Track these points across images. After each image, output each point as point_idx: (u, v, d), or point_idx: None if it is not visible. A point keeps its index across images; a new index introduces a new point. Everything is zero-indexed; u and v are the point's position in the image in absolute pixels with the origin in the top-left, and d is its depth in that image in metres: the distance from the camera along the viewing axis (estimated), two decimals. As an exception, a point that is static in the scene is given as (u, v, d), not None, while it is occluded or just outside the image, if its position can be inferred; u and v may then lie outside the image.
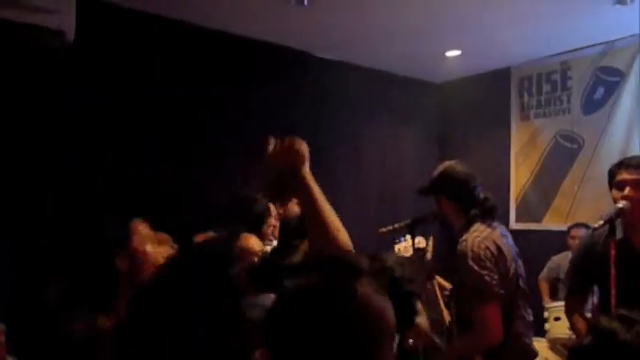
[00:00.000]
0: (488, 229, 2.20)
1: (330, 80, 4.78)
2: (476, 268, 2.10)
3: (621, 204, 2.11)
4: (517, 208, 5.16)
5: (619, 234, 2.15)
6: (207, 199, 3.82)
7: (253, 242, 2.13)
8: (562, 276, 4.29)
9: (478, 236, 2.16)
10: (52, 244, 2.53)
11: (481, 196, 2.28)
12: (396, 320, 0.84)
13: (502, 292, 2.11)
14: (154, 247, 1.59)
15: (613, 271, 2.08)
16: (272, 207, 2.85)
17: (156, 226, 1.67)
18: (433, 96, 5.73)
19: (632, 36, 4.39)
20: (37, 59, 3.17)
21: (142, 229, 1.63)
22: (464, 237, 2.19)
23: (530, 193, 5.09)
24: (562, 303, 3.84)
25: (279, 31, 4.22)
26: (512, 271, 2.19)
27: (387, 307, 0.83)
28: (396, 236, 2.88)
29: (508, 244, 2.24)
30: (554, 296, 4.29)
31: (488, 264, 2.11)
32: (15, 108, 3.18)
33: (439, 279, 2.61)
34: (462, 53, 4.83)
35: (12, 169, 3.12)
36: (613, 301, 2.00)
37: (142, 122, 3.68)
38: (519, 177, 5.18)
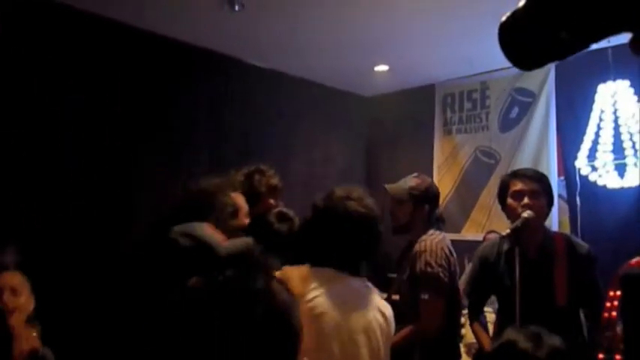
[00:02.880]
0: (441, 235, 2.50)
1: (261, 88, 4.79)
2: (433, 263, 2.35)
3: (526, 214, 2.20)
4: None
5: (507, 245, 2.31)
6: (133, 199, 3.70)
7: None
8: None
9: (435, 238, 2.44)
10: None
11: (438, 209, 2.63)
12: None
13: (447, 290, 2.38)
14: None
15: (519, 279, 2.13)
16: (238, 199, 2.62)
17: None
18: (362, 108, 5.88)
19: (543, 60, 4.72)
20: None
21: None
22: (422, 238, 2.45)
23: (451, 204, 5.32)
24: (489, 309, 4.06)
25: (211, 36, 4.18)
26: (456, 272, 2.50)
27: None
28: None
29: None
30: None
31: (443, 262, 2.37)
32: None
33: None
34: (390, 69, 5.00)
35: None
36: (517, 310, 2.08)
37: (66, 121, 3.50)
38: (441, 189, 5.32)
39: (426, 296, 2.34)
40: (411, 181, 2.59)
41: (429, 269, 2.36)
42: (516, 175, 2.35)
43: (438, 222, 2.60)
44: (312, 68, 4.96)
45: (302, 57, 4.65)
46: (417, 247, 2.44)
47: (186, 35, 4.12)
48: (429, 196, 2.58)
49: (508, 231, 2.21)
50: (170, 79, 4.14)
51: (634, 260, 1.79)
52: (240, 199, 2.62)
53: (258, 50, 4.48)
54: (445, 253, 2.42)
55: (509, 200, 2.31)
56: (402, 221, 2.57)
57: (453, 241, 2.57)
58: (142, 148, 3.92)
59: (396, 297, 2.61)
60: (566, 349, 1.16)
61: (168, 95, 4.11)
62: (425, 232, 2.50)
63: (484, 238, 4.60)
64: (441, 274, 2.35)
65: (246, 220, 2.61)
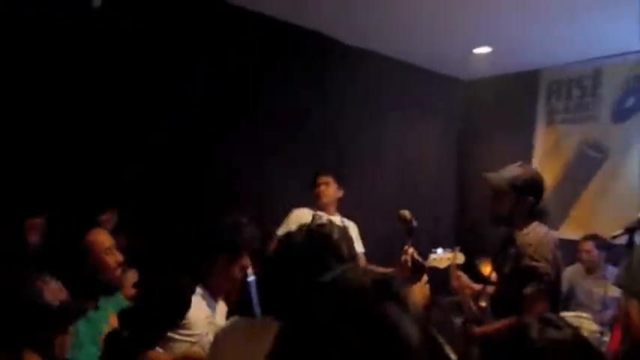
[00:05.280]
0: (546, 228, 2.40)
1: (356, 69, 4.71)
2: (538, 257, 2.27)
3: None
4: (535, 214, 5.07)
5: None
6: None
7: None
8: (575, 288, 4.19)
9: (540, 232, 2.36)
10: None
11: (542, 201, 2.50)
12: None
13: (552, 285, 2.28)
14: None
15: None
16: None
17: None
18: (458, 92, 5.64)
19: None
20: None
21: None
22: (525, 231, 2.37)
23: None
24: (572, 313, 3.80)
25: (309, 15, 4.14)
26: (561, 264, 2.40)
27: (411, 329, 0.76)
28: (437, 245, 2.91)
29: None
30: (565, 306, 4.19)
31: (549, 257, 2.28)
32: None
33: (464, 278, 2.68)
34: (492, 51, 4.72)
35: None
36: None
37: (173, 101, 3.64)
38: (540, 182, 5.08)
39: (530, 291, 2.25)
40: (513, 170, 2.46)
41: (534, 263, 2.27)
42: None
43: (542, 215, 2.47)
44: (409, 49, 4.80)
45: (398, 38, 4.50)
46: (520, 240, 2.35)
47: (278, 12, 4.09)
48: (533, 187, 2.43)
49: (620, 231, 2.28)
50: (263, 58, 4.14)
51: None
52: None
53: (353, 30, 4.39)
54: (551, 247, 2.31)
55: None
56: (503, 213, 2.45)
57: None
58: (229, 133, 3.92)
59: (490, 290, 2.53)
60: (572, 342, 1.13)
61: (260, 76, 4.12)
62: (527, 225, 2.39)
63: (580, 247, 4.24)
64: (547, 269, 2.26)
65: None
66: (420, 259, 2.62)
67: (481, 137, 5.57)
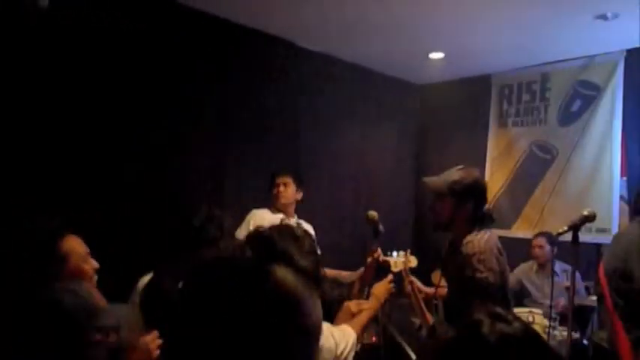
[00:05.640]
0: (488, 233, 2.31)
1: (312, 73, 4.74)
2: (482, 268, 2.18)
3: (586, 211, 2.27)
4: (488, 214, 5.22)
5: None
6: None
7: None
8: (527, 285, 4.35)
9: (481, 239, 2.25)
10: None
11: (485, 205, 2.41)
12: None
13: (498, 294, 2.20)
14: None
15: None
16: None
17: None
18: (414, 97, 5.75)
19: (611, 52, 4.47)
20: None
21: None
22: (468, 239, 2.26)
23: (503, 200, 5.15)
24: (525, 309, 3.93)
25: (264, 18, 4.15)
26: (507, 269, 2.33)
27: (307, 297, 0.73)
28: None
29: None
30: (519, 303, 4.34)
31: (493, 265, 2.19)
32: None
33: (417, 283, 2.70)
34: (446, 56, 4.85)
35: None
36: None
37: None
38: (493, 184, 5.23)
39: (472, 303, 2.20)
40: (454, 174, 2.38)
41: (477, 274, 2.18)
42: None
43: (485, 220, 2.37)
44: (364, 54, 4.87)
45: (354, 42, 4.56)
46: (463, 249, 2.26)
47: (235, 15, 4.08)
48: (474, 192, 2.35)
49: (565, 228, 2.26)
50: (214, 59, 4.11)
51: None
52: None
53: (310, 33, 4.42)
54: (494, 254, 2.23)
55: None
56: (443, 218, 2.38)
57: (501, 239, 2.44)
58: (184, 131, 3.89)
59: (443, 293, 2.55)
60: (522, 336, 1.18)
61: (210, 76, 4.08)
62: (469, 231, 2.30)
63: (533, 243, 4.40)
64: (491, 279, 2.17)
65: None
66: (385, 259, 2.66)
67: (437, 141, 5.69)
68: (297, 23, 4.21)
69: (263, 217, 3.30)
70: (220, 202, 3.90)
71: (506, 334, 1.13)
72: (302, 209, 3.65)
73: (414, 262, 2.86)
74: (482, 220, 2.35)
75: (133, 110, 3.58)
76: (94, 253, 1.78)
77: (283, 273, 0.72)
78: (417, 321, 2.87)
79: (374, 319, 2.35)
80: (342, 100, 5.03)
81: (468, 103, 5.45)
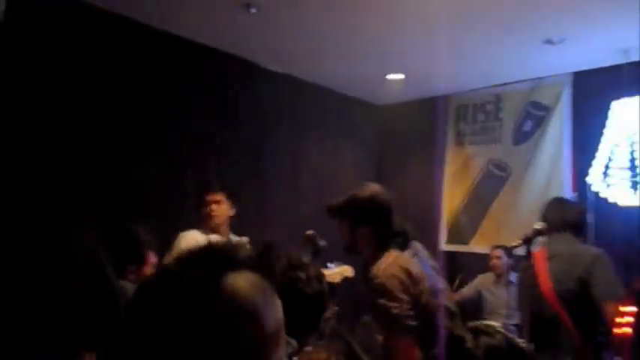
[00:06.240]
0: (394, 254, 2.05)
1: (272, 92, 4.80)
2: (383, 301, 1.93)
3: (538, 225, 2.41)
4: (448, 231, 5.36)
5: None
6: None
7: None
8: (485, 296, 4.49)
9: (382, 263, 2.00)
10: None
11: (396, 223, 2.14)
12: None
13: (413, 323, 1.92)
14: None
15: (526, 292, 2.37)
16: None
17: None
18: (374, 117, 5.88)
19: (558, 75, 4.72)
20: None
21: None
22: (373, 267, 2.02)
23: (461, 216, 5.30)
24: (484, 322, 4.03)
25: (224, 38, 4.18)
26: (425, 292, 2.02)
27: (265, 305, 0.69)
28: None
29: (421, 264, 2.11)
30: (478, 315, 4.46)
31: (397, 294, 1.92)
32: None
33: None
34: (404, 78, 4.99)
35: None
36: None
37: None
38: (452, 201, 5.38)
39: (381, 338, 1.98)
40: (351, 195, 2.20)
41: (381, 305, 1.93)
42: None
43: (397, 239, 2.12)
44: (325, 74, 4.98)
45: (315, 62, 4.66)
46: (369, 273, 2.03)
47: (198, 35, 4.13)
48: (370, 210, 2.12)
49: (519, 241, 2.36)
50: (179, 79, 4.13)
51: None
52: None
53: (271, 54, 4.50)
54: (400, 280, 1.94)
55: None
56: (346, 240, 2.20)
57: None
58: (144, 150, 3.88)
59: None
60: (506, 346, 1.22)
61: (175, 96, 4.10)
62: (377, 252, 2.07)
63: (491, 255, 4.57)
64: (395, 310, 1.90)
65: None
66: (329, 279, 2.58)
67: (396, 160, 5.82)
68: (260, 45, 4.28)
69: (195, 240, 3.00)
70: (166, 223, 3.84)
71: (492, 346, 1.15)
72: (263, 225, 3.65)
73: (350, 272, 2.85)
74: (392, 239, 2.11)
75: (77, 120, 3.53)
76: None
77: (237, 282, 0.69)
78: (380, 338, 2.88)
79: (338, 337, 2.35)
80: (303, 120, 5.11)
81: (427, 123, 5.61)
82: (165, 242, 3.23)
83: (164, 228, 3.26)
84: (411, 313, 1.92)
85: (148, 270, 1.85)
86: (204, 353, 0.64)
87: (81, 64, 3.54)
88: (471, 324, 1.29)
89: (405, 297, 1.92)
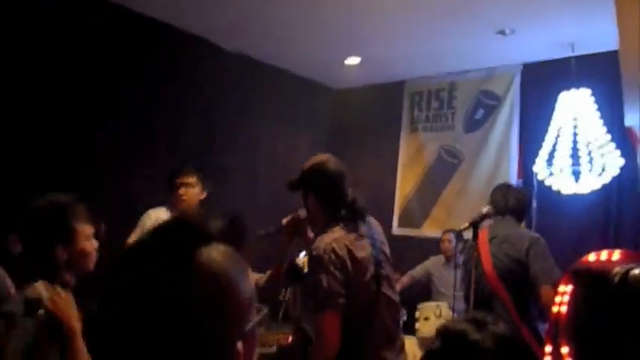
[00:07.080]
0: (342, 232, 1.96)
1: (227, 71, 4.70)
2: (315, 273, 1.89)
3: (486, 209, 2.52)
4: (400, 215, 5.46)
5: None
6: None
7: None
8: (434, 277, 4.63)
9: (327, 240, 1.92)
10: None
11: (350, 197, 2.04)
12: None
13: (342, 301, 1.86)
14: None
15: (473, 271, 2.46)
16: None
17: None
18: (329, 101, 5.87)
19: (509, 65, 4.86)
20: None
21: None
22: (316, 242, 1.96)
23: (413, 201, 5.40)
24: (433, 303, 4.16)
25: (186, 18, 4.08)
26: (368, 275, 1.95)
27: (239, 274, 0.70)
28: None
29: (368, 247, 2.00)
30: (427, 296, 4.59)
31: (332, 269, 1.86)
32: None
33: None
34: (362, 61, 5.01)
35: None
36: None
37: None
38: (404, 186, 5.48)
39: (312, 313, 1.92)
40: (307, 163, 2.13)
41: (310, 281, 1.92)
42: None
43: (349, 212, 2.02)
44: (281, 55, 4.92)
45: (271, 42, 4.60)
46: (312, 245, 1.98)
47: (150, 9, 3.99)
48: (313, 179, 2.05)
49: (467, 224, 2.49)
50: (131, 56, 4.00)
51: (585, 257, 1.90)
52: None
53: (226, 31, 4.40)
54: (337, 256, 1.88)
55: None
56: (308, 216, 2.15)
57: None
58: (97, 129, 3.77)
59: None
60: (510, 333, 1.22)
61: (127, 73, 3.98)
62: (327, 227, 1.99)
63: (442, 238, 4.70)
64: (324, 284, 1.84)
65: None
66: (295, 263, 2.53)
67: (351, 144, 5.83)
68: (218, 24, 4.19)
69: (160, 218, 2.89)
70: (129, 202, 3.76)
71: (501, 334, 1.14)
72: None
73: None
74: (340, 210, 2.01)
75: (46, 106, 3.40)
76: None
77: (211, 255, 0.69)
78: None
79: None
80: (258, 101, 5.05)
81: (382, 108, 5.67)
82: (114, 207, 3.26)
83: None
84: (342, 291, 1.86)
85: (87, 245, 1.66)
86: (187, 329, 0.64)
87: (38, 38, 3.37)
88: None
89: (338, 275, 1.86)
